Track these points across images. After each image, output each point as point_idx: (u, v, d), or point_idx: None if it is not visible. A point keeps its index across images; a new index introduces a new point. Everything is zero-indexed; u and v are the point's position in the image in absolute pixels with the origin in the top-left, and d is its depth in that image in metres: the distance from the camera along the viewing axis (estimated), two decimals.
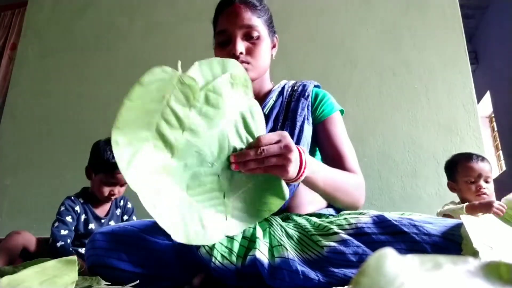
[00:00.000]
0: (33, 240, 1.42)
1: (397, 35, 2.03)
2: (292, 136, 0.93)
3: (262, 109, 0.97)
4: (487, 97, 5.01)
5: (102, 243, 0.77)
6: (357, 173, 0.89)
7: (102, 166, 1.39)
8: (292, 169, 0.64)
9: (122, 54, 2.42)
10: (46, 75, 2.52)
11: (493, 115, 5.09)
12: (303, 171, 0.68)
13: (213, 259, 0.68)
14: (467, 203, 1.39)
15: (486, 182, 1.48)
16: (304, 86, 1.01)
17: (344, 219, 0.73)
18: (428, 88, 1.92)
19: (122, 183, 1.43)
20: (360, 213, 0.74)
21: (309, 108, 0.97)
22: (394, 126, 1.90)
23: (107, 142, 1.42)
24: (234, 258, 0.69)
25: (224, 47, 0.92)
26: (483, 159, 1.51)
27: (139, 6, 2.50)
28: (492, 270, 0.19)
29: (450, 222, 0.66)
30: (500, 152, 4.88)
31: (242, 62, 0.90)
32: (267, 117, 0.97)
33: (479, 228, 0.58)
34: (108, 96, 2.35)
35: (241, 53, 0.89)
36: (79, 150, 2.23)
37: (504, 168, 4.74)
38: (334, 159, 0.92)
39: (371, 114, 1.94)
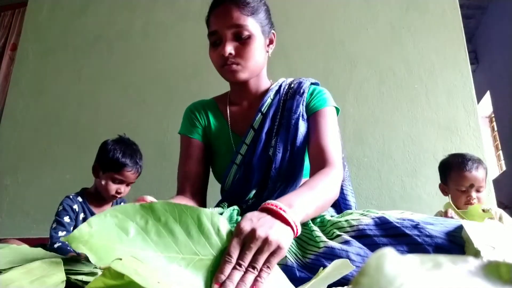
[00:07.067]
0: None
1: (397, 35, 2.03)
2: (287, 133, 0.93)
3: (260, 108, 0.97)
4: (487, 97, 5.01)
5: None
6: (334, 166, 0.85)
7: (112, 164, 1.41)
8: (287, 243, 0.57)
9: (122, 54, 2.42)
10: (46, 75, 2.52)
11: (493, 115, 5.09)
12: (297, 230, 0.62)
13: None
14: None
15: (478, 191, 1.44)
16: (300, 83, 1.00)
17: (346, 221, 0.72)
18: (428, 88, 1.92)
19: (129, 182, 1.46)
20: (362, 214, 0.74)
21: (304, 104, 0.96)
22: (394, 126, 1.90)
23: (116, 141, 1.47)
24: None
25: (216, 48, 0.93)
26: (477, 166, 1.44)
27: (138, 6, 2.50)
28: (492, 270, 0.19)
29: (451, 222, 0.66)
30: (500, 152, 4.88)
31: (231, 63, 0.90)
32: (265, 116, 0.97)
33: (480, 231, 0.58)
34: (108, 96, 2.35)
35: (230, 54, 0.90)
36: (79, 150, 2.24)
37: (504, 168, 4.74)
38: (314, 152, 0.89)
39: (371, 114, 1.94)
